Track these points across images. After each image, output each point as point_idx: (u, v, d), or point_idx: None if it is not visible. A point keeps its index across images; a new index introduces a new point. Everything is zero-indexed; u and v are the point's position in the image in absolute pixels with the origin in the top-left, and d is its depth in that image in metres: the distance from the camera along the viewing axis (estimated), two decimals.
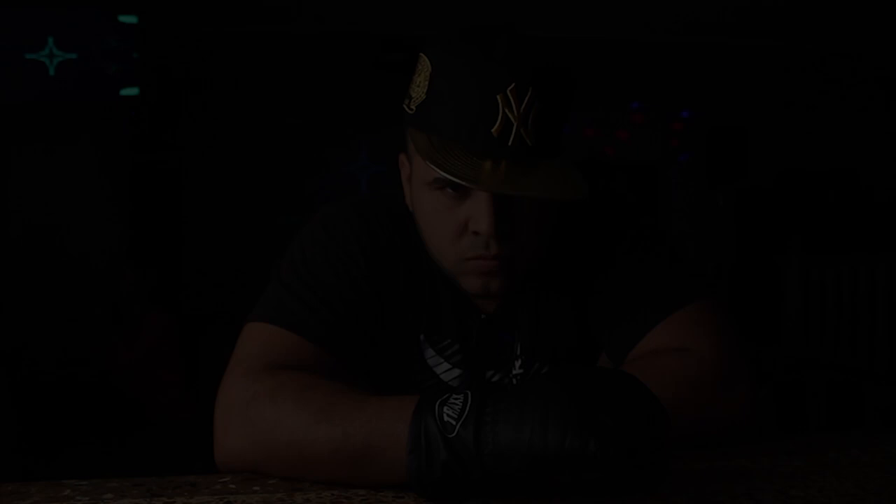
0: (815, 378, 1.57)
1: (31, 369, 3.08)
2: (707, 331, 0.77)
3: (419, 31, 4.18)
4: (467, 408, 0.57)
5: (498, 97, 0.68)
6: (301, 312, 0.77)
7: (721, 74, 5.94)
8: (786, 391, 1.58)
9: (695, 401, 0.72)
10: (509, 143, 0.68)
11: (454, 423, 0.56)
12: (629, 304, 0.81)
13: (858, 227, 6.31)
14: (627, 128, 6.69)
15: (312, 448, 0.64)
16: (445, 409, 0.57)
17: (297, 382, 0.69)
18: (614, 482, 0.56)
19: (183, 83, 4.76)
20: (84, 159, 3.67)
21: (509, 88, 0.67)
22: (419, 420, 0.58)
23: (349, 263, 0.82)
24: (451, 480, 0.56)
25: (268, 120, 6.18)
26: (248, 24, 4.31)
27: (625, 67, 5.81)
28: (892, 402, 1.51)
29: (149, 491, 0.63)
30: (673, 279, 0.82)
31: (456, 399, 0.58)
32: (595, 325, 0.86)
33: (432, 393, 0.60)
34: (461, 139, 0.69)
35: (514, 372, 0.89)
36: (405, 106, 0.77)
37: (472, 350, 0.87)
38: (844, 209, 6.53)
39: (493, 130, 0.68)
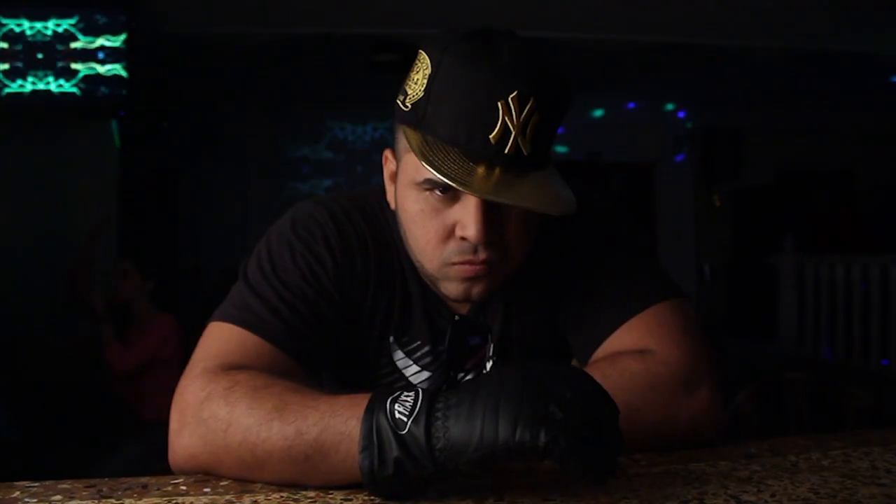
0: (798, 379, 1.57)
1: (23, 370, 3.07)
2: (671, 332, 0.76)
3: (411, 31, 4.17)
4: (418, 404, 0.57)
5: (499, 104, 0.66)
6: (262, 313, 0.76)
7: (717, 75, 5.93)
8: (768, 392, 1.57)
9: (655, 402, 0.72)
10: (506, 151, 0.67)
11: (405, 419, 0.56)
12: (595, 305, 0.81)
13: (853, 228, 6.30)
14: (624, 128, 6.70)
15: (265, 447, 0.63)
16: (397, 406, 0.57)
17: (251, 382, 0.68)
18: (565, 474, 0.56)
19: (174, 84, 4.75)
20: (75, 159, 3.65)
21: (511, 96, 0.66)
22: (371, 417, 0.58)
23: (316, 264, 0.81)
24: (404, 477, 0.56)
25: (260, 118, 6.19)
26: (240, 25, 4.30)
27: (621, 67, 5.80)
28: (873, 402, 1.51)
29: (99, 492, 0.63)
30: (639, 281, 0.81)
31: (407, 396, 0.58)
32: (564, 326, 0.86)
33: (384, 390, 0.60)
34: (458, 142, 0.68)
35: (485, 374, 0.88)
36: (399, 102, 0.75)
37: (443, 352, 0.86)
38: (839, 210, 6.53)
39: (491, 137, 0.67)
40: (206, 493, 0.62)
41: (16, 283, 3.49)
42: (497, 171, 0.68)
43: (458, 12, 4.21)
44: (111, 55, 3.01)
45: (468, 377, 0.88)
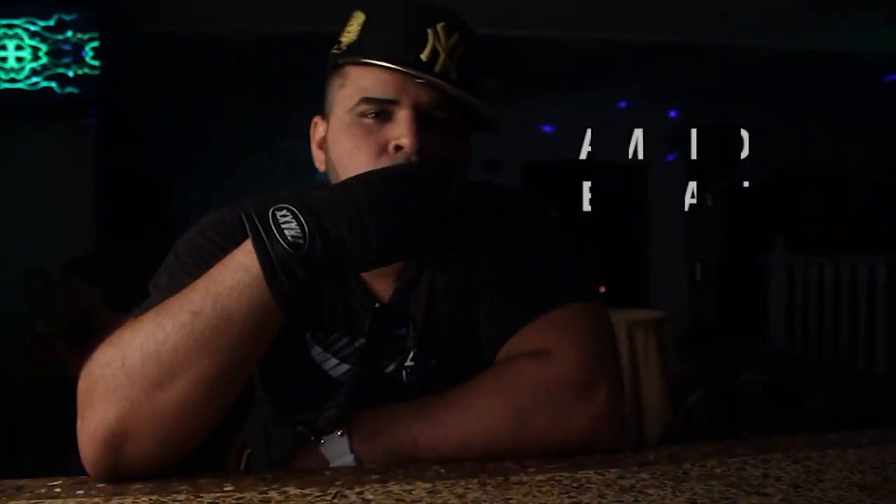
0: (752, 380, 1.55)
1: None
2: (575, 334, 0.75)
3: None
4: (304, 222, 0.60)
5: (428, 30, 0.73)
6: (160, 298, 0.75)
7: (709, 74, 5.90)
8: (723, 394, 1.56)
9: (548, 405, 0.70)
10: (436, 69, 0.72)
11: (302, 241, 0.60)
12: (503, 301, 0.80)
13: (843, 229, 6.27)
14: (615, 128, 6.66)
15: (167, 347, 0.62)
16: (285, 230, 0.60)
17: (128, 323, 0.68)
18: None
19: (160, 83, 4.71)
20: (46, 159, 3.60)
21: (439, 25, 0.73)
22: (265, 249, 0.60)
23: (222, 255, 0.79)
24: (313, 290, 0.63)
25: (252, 118, 6.17)
26: (228, 23, 4.27)
27: (612, 67, 5.77)
28: (829, 407, 1.49)
29: None
30: (551, 279, 0.80)
31: (285, 216, 0.61)
32: (477, 318, 0.84)
33: (253, 219, 0.62)
34: (392, 58, 0.73)
35: (406, 364, 0.85)
36: (333, 51, 0.79)
37: (363, 344, 0.84)
38: (830, 211, 6.50)
39: (422, 55, 0.72)
40: (77, 496, 0.61)
41: None
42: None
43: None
44: (83, 52, 2.98)
45: (390, 366, 0.85)
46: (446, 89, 0.72)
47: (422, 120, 0.73)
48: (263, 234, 0.61)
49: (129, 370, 0.63)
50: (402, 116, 0.73)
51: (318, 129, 0.83)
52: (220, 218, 0.84)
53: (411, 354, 0.84)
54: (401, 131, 0.73)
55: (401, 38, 0.73)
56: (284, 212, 0.61)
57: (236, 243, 0.80)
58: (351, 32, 0.77)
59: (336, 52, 0.78)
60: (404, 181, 0.64)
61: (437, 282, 0.84)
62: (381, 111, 0.74)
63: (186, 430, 0.65)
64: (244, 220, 0.62)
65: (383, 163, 0.73)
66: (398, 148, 0.73)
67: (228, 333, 0.62)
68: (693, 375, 3.38)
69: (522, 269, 0.81)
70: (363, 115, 0.75)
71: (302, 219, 0.61)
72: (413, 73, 0.72)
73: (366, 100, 0.74)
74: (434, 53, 0.72)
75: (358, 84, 0.75)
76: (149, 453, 0.64)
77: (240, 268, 0.62)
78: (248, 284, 0.62)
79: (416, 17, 0.74)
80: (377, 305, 0.83)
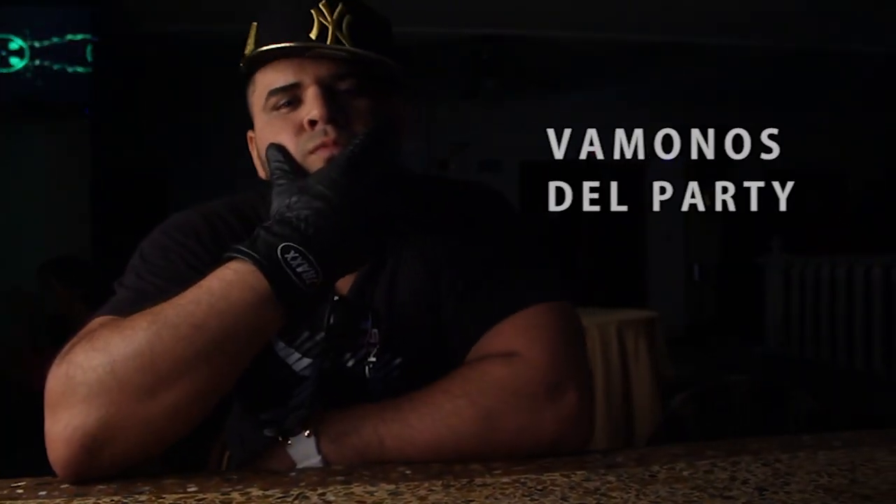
0: (740, 381, 1.55)
1: None
2: (544, 335, 0.74)
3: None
4: (315, 263, 0.64)
5: (312, 10, 0.75)
6: (127, 296, 0.76)
7: (707, 74, 5.89)
8: (710, 395, 1.55)
9: (518, 408, 0.70)
10: (328, 44, 0.74)
11: (316, 280, 0.65)
12: (472, 301, 0.79)
13: (841, 229, 6.26)
14: (613, 127, 6.65)
15: (165, 356, 0.62)
16: (301, 274, 0.64)
17: (110, 325, 0.67)
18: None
19: (156, 83, 4.69)
20: (39, 160, 3.59)
21: (321, 3, 0.75)
22: (285, 291, 0.64)
23: (187, 255, 0.81)
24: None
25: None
26: (225, 23, 4.27)
27: (612, 66, 5.76)
28: (816, 408, 1.49)
29: None
30: (520, 277, 0.79)
31: (295, 258, 0.64)
32: (444, 317, 0.83)
33: (264, 264, 0.64)
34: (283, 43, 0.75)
35: (369, 360, 0.84)
36: (240, 65, 0.81)
37: (324, 337, 0.82)
38: (827, 211, 6.49)
39: (311, 35, 0.74)
40: (39, 497, 0.61)
41: None
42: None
43: (446, 8, 4.18)
44: (78, 52, 2.98)
45: (351, 360, 0.83)
46: (338, 53, 0.74)
47: (329, 93, 0.75)
48: (282, 278, 0.64)
49: (121, 377, 0.62)
50: (309, 94, 0.75)
51: (253, 141, 0.85)
52: (184, 219, 0.86)
53: (374, 351, 0.84)
54: (310, 106, 0.75)
55: (287, 27, 0.75)
56: (293, 253, 0.64)
57: (200, 243, 0.81)
58: (250, 43, 0.79)
59: (242, 65, 0.81)
60: (355, 161, 0.69)
61: (399, 273, 0.83)
62: (291, 99, 0.76)
63: (171, 435, 0.65)
64: (251, 262, 0.64)
65: (303, 140, 0.75)
66: (312, 123, 0.74)
67: (230, 347, 0.64)
68: (689, 376, 3.38)
69: (490, 268, 0.80)
70: (276, 107, 0.77)
71: (312, 259, 0.64)
72: (301, 45, 0.74)
73: (272, 92, 0.76)
74: (322, 29, 0.74)
75: (263, 83, 0.78)
76: (127, 457, 0.64)
77: (247, 287, 0.64)
78: (256, 305, 0.64)
79: (298, 4, 0.76)
80: (336, 298, 0.82)
